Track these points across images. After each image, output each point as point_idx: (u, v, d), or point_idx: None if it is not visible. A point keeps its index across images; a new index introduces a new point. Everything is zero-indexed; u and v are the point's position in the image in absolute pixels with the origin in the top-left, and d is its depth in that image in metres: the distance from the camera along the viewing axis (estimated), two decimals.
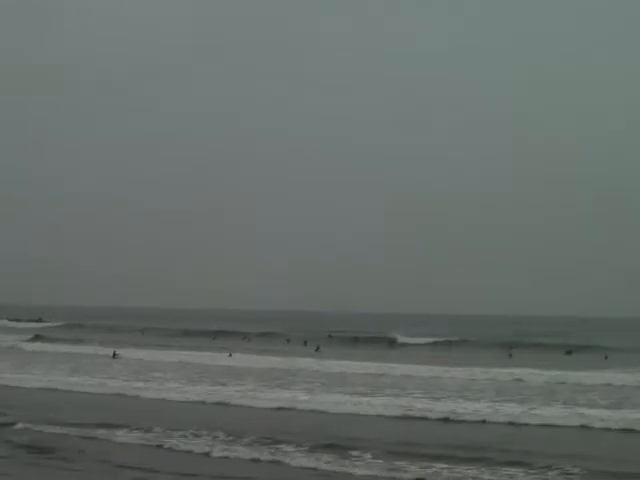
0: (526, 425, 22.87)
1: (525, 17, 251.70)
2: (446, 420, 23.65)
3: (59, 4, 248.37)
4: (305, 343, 69.19)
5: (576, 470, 16.23)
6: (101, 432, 20.50)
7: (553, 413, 24.58)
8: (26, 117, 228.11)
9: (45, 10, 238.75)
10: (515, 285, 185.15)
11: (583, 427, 22.39)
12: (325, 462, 17.13)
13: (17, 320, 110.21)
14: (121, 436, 20.05)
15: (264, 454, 17.85)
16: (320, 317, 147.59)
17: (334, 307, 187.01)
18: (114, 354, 49.80)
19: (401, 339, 74.59)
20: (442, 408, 25.53)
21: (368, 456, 17.70)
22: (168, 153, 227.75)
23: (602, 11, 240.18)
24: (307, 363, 43.98)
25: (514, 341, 70.08)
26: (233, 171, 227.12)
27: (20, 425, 21.35)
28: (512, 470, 16.33)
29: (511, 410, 25.14)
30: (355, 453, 17.95)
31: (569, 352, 61.15)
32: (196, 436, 19.83)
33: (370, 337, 77.55)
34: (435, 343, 71.16)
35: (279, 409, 26.03)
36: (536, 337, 79.18)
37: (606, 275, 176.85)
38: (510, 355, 56.21)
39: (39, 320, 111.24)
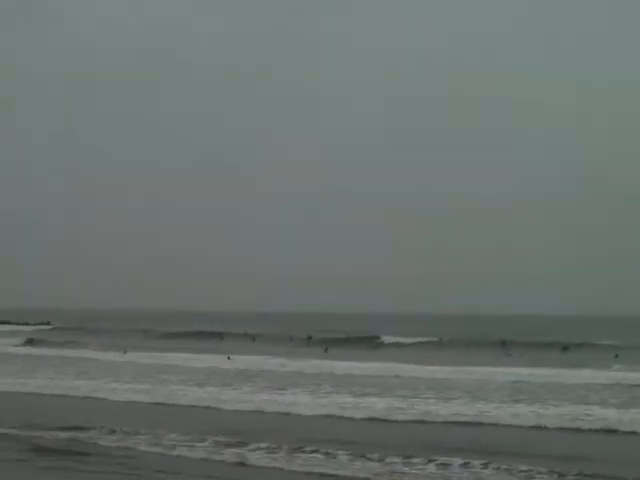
0: (540, 427, 22.50)
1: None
2: (457, 423, 23.34)
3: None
4: (309, 344, 69.26)
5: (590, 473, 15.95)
6: (104, 436, 20.19)
7: (565, 413, 24.27)
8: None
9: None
10: (504, 284, 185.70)
11: (604, 429, 21.99)
12: (339, 465, 16.84)
13: (26, 324, 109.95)
14: (126, 440, 19.77)
15: (283, 461, 17.42)
16: (306, 318, 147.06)
17: (322, 308, 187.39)
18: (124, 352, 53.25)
19: (396, 339, 74.19)
20: (452, 410, 25.32)
21: (383, 455, 17.46)
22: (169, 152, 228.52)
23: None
24: (318, 364, 43.87)
25: (509, 340, 69.78)
26: (233, 170, 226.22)
27: (21, 430, 21.04)
28: (531, 472, 16.05)
29: (523, 411, 24.90)
30: (371, 455, 17.62)
31: (565, 348, 61.49)
32: (202, 440, 19.45)
33: (365, 337, 77.25)
34: (431, 342, 70.84)
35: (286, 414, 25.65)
36: (530, 336, 78.84)
37: (598, 273, 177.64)
38: (510, 354, 55.94)
39: (48, 323, 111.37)
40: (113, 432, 20.62)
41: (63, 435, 20.31)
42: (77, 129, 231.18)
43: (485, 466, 16.55)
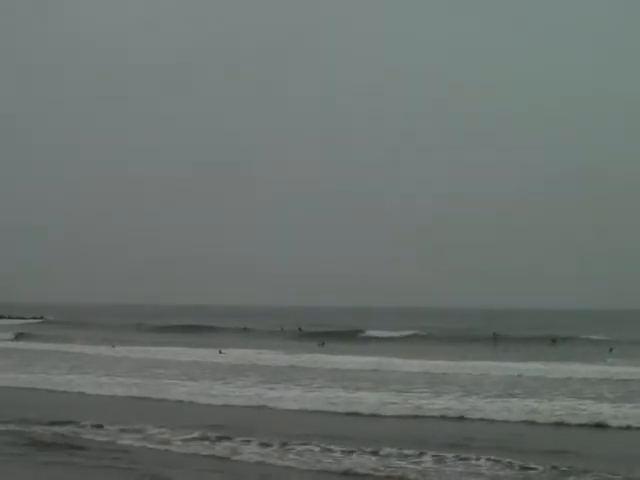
0: (533, 421, 22.37)
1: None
2: (449, 417, 23.23)
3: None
4: (300, 337, 69.40)
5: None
6: (97, 431, 20.05)
7: (558, 407, 24.10)
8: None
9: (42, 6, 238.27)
10: (504, 283, 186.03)
11: (598, 423, 21.82)
12: (334, 459, 16.78)
13: (20, 318, 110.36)
14: (119, 434, 19.65)
15: (275, 455, 17.25)
16: (298, 312, 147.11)
17: (318, 303, 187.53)
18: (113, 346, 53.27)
19: (390, 333, 74.35)
20: (444, 404, 25.23)
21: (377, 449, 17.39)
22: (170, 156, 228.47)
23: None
24: (311, 358, 43.73)
25: (501, 334, 69.85)
26: (233, 171, 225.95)
27: (17, 425, 20.85)
28: (530, 466, 15.90)
29: (516, 405, 24.75)
30: (368, 449, 17.49)
31: (554, 340, 61.77)
32: (193, 434, 19.31)
33: (356, 330, 77.45)
34: (420, 336, 70.98)
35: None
36: (523, 330, 78.88)
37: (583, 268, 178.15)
38: (503, 349, 55.92)
39: (41, 318, 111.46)
40: (106, 427, 20.48)
41: (58, 430, 20.17)
42: (77, 129, 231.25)
43: (478, 459, 16.44)
